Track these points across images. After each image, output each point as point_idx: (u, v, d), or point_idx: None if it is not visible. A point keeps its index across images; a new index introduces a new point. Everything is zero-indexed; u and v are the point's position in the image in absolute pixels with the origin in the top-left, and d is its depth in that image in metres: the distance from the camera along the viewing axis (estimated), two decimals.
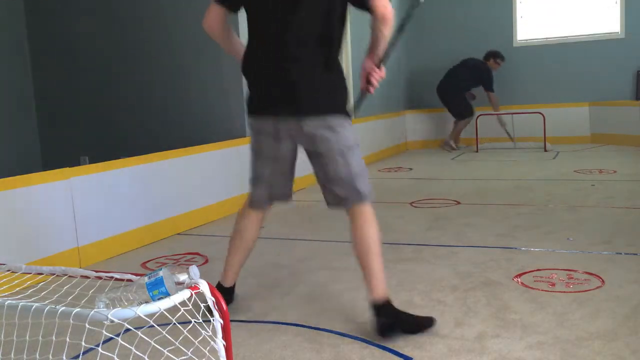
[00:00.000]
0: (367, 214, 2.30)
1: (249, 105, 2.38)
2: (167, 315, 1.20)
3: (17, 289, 1.56)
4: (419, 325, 2.25)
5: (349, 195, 2.30)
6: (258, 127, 2.37)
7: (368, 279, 2.27)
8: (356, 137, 2.35)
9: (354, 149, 2.31)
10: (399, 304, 2.52)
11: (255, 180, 2.46)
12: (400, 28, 2.42)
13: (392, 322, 2.22)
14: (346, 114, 2.32)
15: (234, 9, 2.36)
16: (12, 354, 1.53)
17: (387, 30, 2.25)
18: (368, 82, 2.37)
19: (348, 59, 7.24)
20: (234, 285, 2.61)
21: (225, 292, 2.55)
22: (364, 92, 2.43)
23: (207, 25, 2.37)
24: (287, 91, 2.24)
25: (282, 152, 2.35)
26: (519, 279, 2.77)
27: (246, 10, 2.35)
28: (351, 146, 2.30)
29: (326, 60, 2.26)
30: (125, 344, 1.37)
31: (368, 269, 2.27)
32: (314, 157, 2.34)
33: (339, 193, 2.31)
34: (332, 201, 2.37)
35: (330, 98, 2.29)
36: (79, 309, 1.15)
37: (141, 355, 1.27)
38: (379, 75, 2.36)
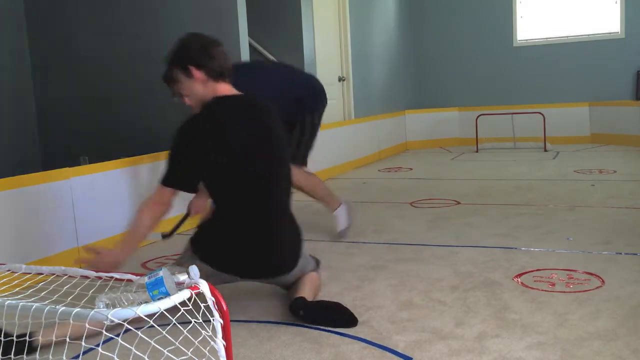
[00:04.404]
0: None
1: None
2: (167, 315, 1.20)
3: (17, 289, 1.56)
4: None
5: None
6: None
7: None
8: None
9: None
10: (399, 304, 2.52)
11: None
12: None
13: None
14: None
15: None
16: (12, 354, 1.53)
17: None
18: None
19: (348, 60, 7.24)
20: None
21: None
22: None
23: None
24: None
25: None
26: (519, 279, 2.77)
27: None
28: None
29: None
30: (125, 344, 1.37)
31: None
32: None
33: None
34: None
35: None
36: (79, 309, 1.15)
37: (141, 355, 1.27)
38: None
